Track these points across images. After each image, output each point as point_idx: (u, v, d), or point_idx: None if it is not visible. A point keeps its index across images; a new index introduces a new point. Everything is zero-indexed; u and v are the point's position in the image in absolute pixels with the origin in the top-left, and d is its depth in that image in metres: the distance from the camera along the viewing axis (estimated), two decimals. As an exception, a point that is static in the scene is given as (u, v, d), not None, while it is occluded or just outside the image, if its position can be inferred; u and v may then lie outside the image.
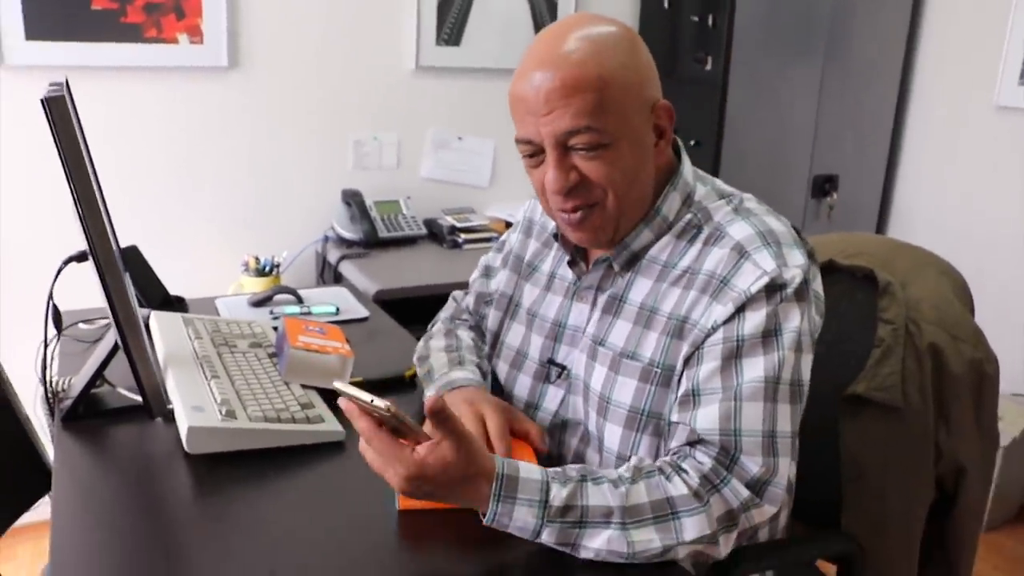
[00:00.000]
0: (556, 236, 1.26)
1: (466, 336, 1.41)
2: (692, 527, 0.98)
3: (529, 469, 0.99)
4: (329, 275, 2.57)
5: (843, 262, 1.51)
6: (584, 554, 0.98)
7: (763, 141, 2.81)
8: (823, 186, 2.96)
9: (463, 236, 2.69)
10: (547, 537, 0.97)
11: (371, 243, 2.58)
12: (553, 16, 2.87)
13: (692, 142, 2.73)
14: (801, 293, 1.07)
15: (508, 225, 2.85)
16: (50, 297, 1.30)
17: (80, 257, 1.25)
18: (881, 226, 3.19)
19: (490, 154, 2.91)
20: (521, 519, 0.96)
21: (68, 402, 1.30)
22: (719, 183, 1.22)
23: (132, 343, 1.13)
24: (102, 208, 1.44)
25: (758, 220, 1.12)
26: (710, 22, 2.68)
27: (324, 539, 1.03)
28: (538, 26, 2.85)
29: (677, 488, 1.00)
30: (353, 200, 2.63)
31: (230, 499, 1.11)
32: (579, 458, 1.22)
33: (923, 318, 1.40)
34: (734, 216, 1.13)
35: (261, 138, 2.60)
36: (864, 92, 2.94)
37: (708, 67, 2.69)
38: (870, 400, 1.40)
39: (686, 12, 2.81)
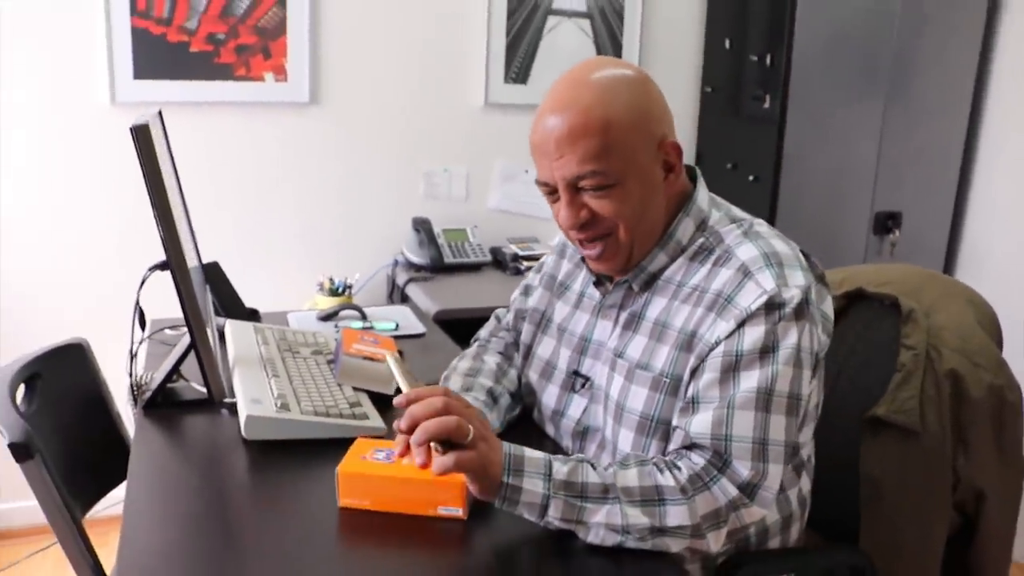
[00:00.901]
0: (584, 259, 1.37)
1: (491, 361, 1.50)
2: (675, 515, 1.07)
3: (531, 451, 1.09)
4: (397, 296, 2.73)
5: (871, 290, 1.57)
6: (584, 532, 1.07)
7: (822, 177, 2.84)
8: (885, 223, 2.97)
9: (525, 263, 2.80)
10: (553, 512, 1.06)
11: (437, 268, 2.72)
12: (618, 54, 3.00)
13: (751, 178, 2.79)
14: (800, 312, 1.14)
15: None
16: (137, 301, 1.47)
17: (162, 266, 1.42)
18: (949, 265, 3.17)
19: (556, 187, 3.03)
20: (530, 490, 1.05)
21: (148, 393, 1.47)
22: (734, 209, 1.31)
23: (200, 344, 1.28)
24: (186, 226, 1.62)
25: (764, 243, 1.20)
26: (768, 61, 2.75)
27: (363, 523, 1.14)
28: (604, 65, 2.97)
29: (666, 480, 1.09)
30: (422, 227, 2.78)
31: (280, 482, 1.24)
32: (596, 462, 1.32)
33: (945, 344, 1.45)
34: (743, 239, 1.22)
35: (338, 168, 2.80)
36: (929, 129, 2.95)
37: (766, 105, 2.77)
38: (889, 423, 1.45)
39: (747, 51, 2.89)
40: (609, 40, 3.02)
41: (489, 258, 2.84)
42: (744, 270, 1.17)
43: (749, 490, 1.10)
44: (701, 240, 1.25)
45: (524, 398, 1.50)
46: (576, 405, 1.36)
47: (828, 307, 1.22)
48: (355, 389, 1.50)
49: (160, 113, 1.64)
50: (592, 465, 1.10)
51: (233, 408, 1.43)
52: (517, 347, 1.53)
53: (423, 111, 2.85)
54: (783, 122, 2.74)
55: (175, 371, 1.45)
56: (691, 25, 3.13)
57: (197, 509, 1.15)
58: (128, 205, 2.58)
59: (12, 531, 2.72)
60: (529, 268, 2.77)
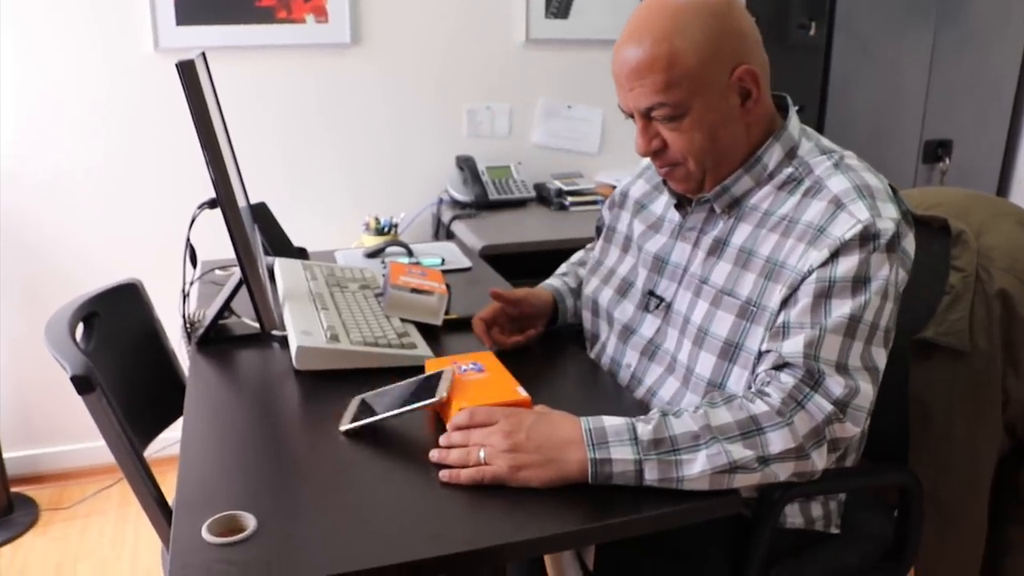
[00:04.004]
0: (665, 182, 1.38)
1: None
2: (777, 441, 1.07)
3: (610, 419, 1.09)
4: (442, 234, 2.75)
5: (920, 213, 1.54)
6: (689, 485, 1.04)
7: (870, 106, 2.78)
8: (935, 151, 2.90)
9: (570, 199, 2.80)
10: (649, 474, 1.04)
11: (482, 205, 2.73)
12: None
13: (797, 107, 2.73)
14: (892, 245, 1.14)
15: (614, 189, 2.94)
16: (187, 239, 1.51)
17: (212, 203, 1.45)
18: (1001, 194, 3.09)
19: (598, 122, 3.01)
20: (620, 460, 1.04)
21: (201, 330, 1.51)
22: (824, 140, 1.30)
23: (251, 277, 1.31)
24: (233, 166, 1.65)
25: (856, 175, 1.20)
26: (815, -13, 2.68)
27: (411, 449, 1.16)
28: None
29: (759, 407, 1.10)
30: (466, 165, 2.79)
31: (330, 410, 1.26)
32: (659, 383, 1.33)
33: (995, 265, 1.42)
34: (834, 171, 1.22)
35: (381, 108, 2.80)
36: (982, 55, 2.85)
37: (812, 32, 2.70)
38: (938, 344, 1.44)
39: (794, -23, 2.81)
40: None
41: (533, 194, 2.84)
42: (836, 202, 1.17)
43: (841, 406, 1.11)
44: (790, 170, 1.25)
45: (580, 309, 1.56)
46: (649, 324, 1.38)
47: (910, 244, 1.21)
48: (403, 320, 1.53)
49: (204, 55, 1.66)
50: (675, 414, 1.10)
51: (284, 341, 1.46)
52: None
53: (464, 49, 2.84)
54: (829, 50, 2.67)
55: (226, 307, 1.49)
56: (735, -49, 3.05)
57: (252, 438, 1.19)
58: (176, 149, 2.63)
59: (78, 471, 2.84)
60: (575, 204, 2.78)
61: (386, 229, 2.58)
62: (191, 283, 1.53)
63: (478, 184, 2.74)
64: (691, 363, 1.27)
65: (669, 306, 1.35)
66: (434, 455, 1.11)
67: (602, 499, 1.04)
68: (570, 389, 1.40)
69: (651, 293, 1.38)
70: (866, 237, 1.13)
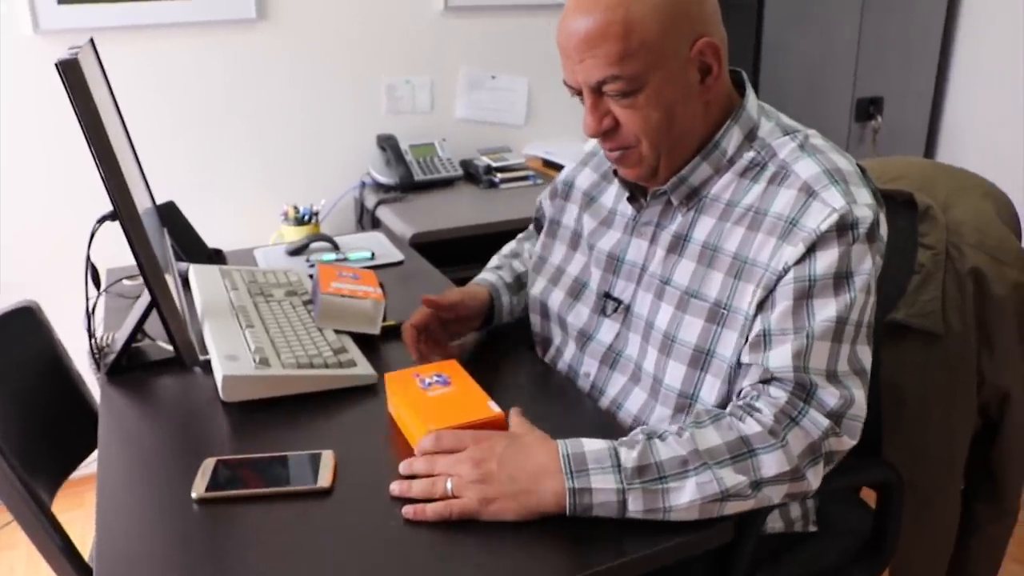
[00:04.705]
0: (615, 172, 1.25)
1: (527, 251, 1.54)
2: (771, 464, 0.97)
3: (591, 442, 0.98)
4: (367, 221, 2.58)
5: (883, 187, 1.47)
6: (677, 516, 0.95)
7: (803, 64, 2.71)
8: (867, 109, 2.87)
9: (499, 176, 2.67)
10: (633, 505, 0.94)
11: (407, 187, 2.58)
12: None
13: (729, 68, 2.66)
14: (872, 234, 1.04)
15: (545, 163, 2.82)
16: (87, 258, 1.33)
17: (112, 216, 1.27)
18: (930, 150, 3.08)
19: (524, 92, 2.88)
20: (601, 489, 0.94)
21: (112, 356, 1.34)
22: (784, 118, 1.19)
23: (162, 299, 1.15)
24: (134, 166, 1.47)
25: (824, 158, 1.09)
26: (745, -57, 2.59)
27: (359, 480, 1.05)
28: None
29: (750, 427, 0.99)
30: (388, 145, 2.62)
31: (265, 445, 1.13)
32: (624, 394, 1.23)
33: (965, 242, 1.36)
34: (800, 153, 1.11)
35: (293, 88, 2.60)
36: (910, 7, 2.82)
37: (743, -10, 2.61)
38: (910, 327, 1.37)
39: (721, -66, 2.71)
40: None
41: (460, 172, 2.70)
42: (807, 189, 1.06)
43: (837, 418, 1.02)
44: (751, 154, 1.14)
45: (517, 307, 1.46)
46: (607, 329, 1.26)
47: (884, 228, 1.11)
48: (337, 332, 1.39)
49: (92, 41, 1.47)
50: (660, 437, 0.99)
51: (207, 365, 1.31)
52: None
53: (380, 19, 2.65)
54: (762, 9, 2.59)
55: (138, 330, 1.32)
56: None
57: (179, 483, 1.04)
58: (67, 146, 2.37)
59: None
60: (504, 181, 2.65)
61: (306, 218, 2.41)
62: (93, 307, 1.35)
63: (402, 164, 2.59)
64: (658, 373, 1.16)
65: (628, 309, 1.23)
66: (395, 489, 0.99)
67: (585, 534, 0.94)
68: (537, 403, 1.24)
69: (607, 295, 1.27)
70: (843, 227, 1.03)
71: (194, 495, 1.00)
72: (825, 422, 1.00)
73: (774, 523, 1.25)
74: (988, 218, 1.39)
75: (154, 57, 2.43)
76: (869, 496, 1.46)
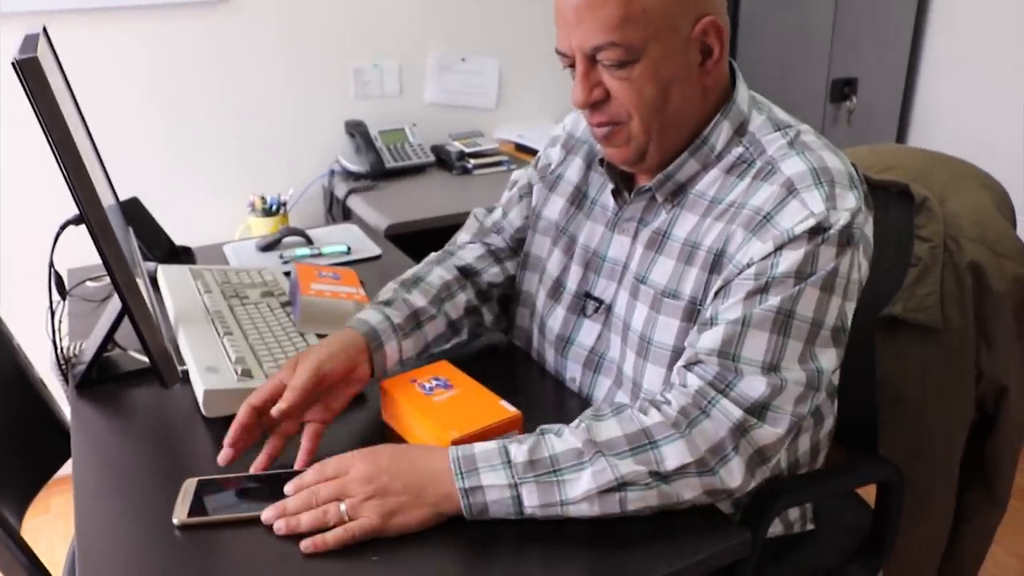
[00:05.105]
0: (602, 161, 1.19)
1: (439, 275, 1.29)
2: (672, 454, 0.93)
3: (482, 444, 0.95)
4: (338, 211, 2.51)
5: (876, 177, 1.44)
6: (574, 509, 0.91)
7: (778, 45, 2.69)
8: (842, 90, 2.85)
9: (472, 161, 2.60)
10: (528, 499, 0.91)
11: (378, 174, 2.50)
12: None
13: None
14: (845, 235, 0.99)
15: (518, 147, 2.76)
16: (51, 264, 1.25)
17: (77, 220, 1.19)
18: (902, 131, 3.08)
19: (495, 74, 2.80)
20: (493, 486, 0.91)
21: (81, 367, 1.27)
22: (776, 111, 1.13)
23: (137, 312, 1.07)
24: (96, 162, 1.38)
25: (814, 156, 1.03)
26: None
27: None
28: (538, -65, 2.70)
29: (652, 417, 0.95)
30: (357, 131, 2.54)
31: (248, 459, 1.07)
32: (610, 399, 1.18)
33: (963, 234, 1.33)
34: (788, 150, 1.05)
35: (257, 74, 2.50)
36: (883, -12, 2.81)
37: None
38: (907, 321, 1.34)
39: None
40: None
41: (432, 158, 2.62)
42: (789, 186, 1.01)
43: (758, 411, 0.96)
44: (740, 150, 1.08)
45: (516, 317, 1.35)
46: (587, 331, 1.21)
47: (869, 228, 1.07)
48: (319, 336, 1.32)
49: (45, 30, 1.37)
50: (556, 433, 0.95)
51: (184, 375, 1.24)
52: (505, 253, 1.37)
53: (346, 1, 2.55)
54: (738, -11, 2.55)
55: (109, 340, 1.25)
56: None
57: (162, 507, 0.97)
58: (20, 138, 2.26)
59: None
60: (478, 167, 2.59)
61: (274, 208, 2.34)
62: (59, 318, 1.27)
63: (372, 151, 2.51)
64: (637, 377, 1.12)
65: (609, 309, 1.18)
66: (279, 527, 0.92)
67: (604, 555, 0.90)
68: (530, 407, 1.19)
69: (587, 295, 1.21)
70: (816, 231, 0.98)
71: (176, 521, 0.94)
72: (737, 414, 0.95)
73: (774, 528, 1.23)
74: (986, 210, 1.36)
75: (111, 42, 2.32)
76: (865, 491, 1.45)
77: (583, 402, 1.21)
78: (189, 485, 0.99)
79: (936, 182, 1.40)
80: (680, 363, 1.02)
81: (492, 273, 1.34)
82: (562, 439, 0.94)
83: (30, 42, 0.97)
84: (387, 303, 1.21)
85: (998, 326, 1.33)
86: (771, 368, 0.97)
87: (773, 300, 0.98)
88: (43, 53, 1.05)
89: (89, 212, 0.99)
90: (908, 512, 1.38)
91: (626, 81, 1.03)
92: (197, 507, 0.96)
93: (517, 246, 1.37)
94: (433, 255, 1.37)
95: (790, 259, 0.98)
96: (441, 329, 1.26)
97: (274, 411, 1.02)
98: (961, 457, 1.44)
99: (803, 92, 2.80)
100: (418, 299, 1.23)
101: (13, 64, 0.88)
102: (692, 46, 1.02)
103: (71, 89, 1.42)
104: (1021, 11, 2.69)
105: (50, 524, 2.33)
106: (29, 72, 0.88)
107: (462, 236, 1.41)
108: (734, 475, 0.95)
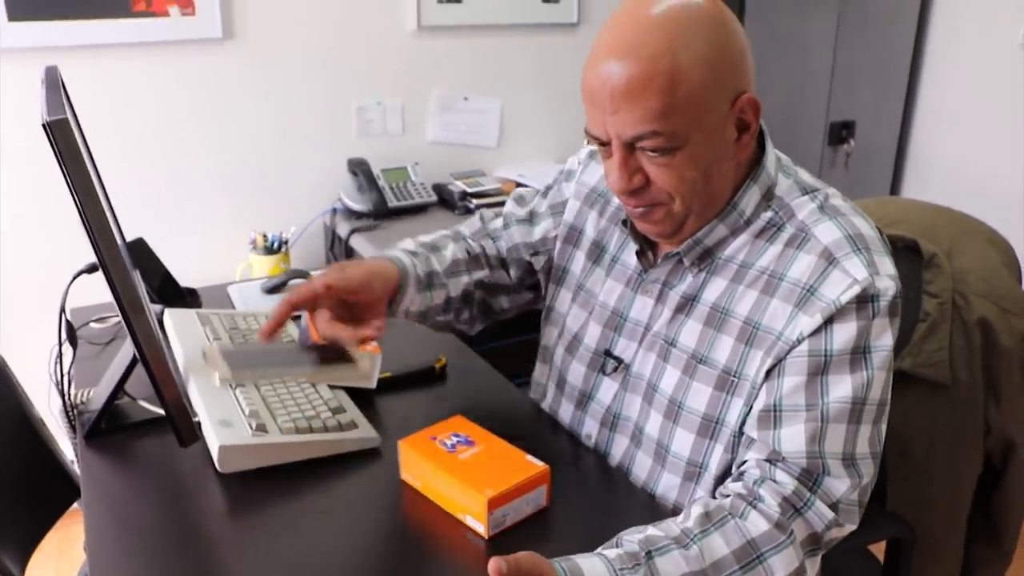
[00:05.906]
0: (625, 222, 1.17)
1: (451, 252, 1.30)
2: (781, 564, 0.93)
3: (592, 565, 0.88)
4: (340, 249, 2.50)
5: (884, 231, 1.45)
6: None
7: (779, 88, 2.72)
8: (840, 133, 2.88)
9: (475, 201, 2.61)
10: None
11: (381, 213, 2.50)
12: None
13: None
14: (894, 308, 0.99)
15: (519, 186, 2.77)
16: (62, 310, 1.24)
17: (90, 270, 1.19)
18: (898, 174, 3.11)
19: (497, 114, 2.82)
20: None
21: (89, 416, 1.26)
22: (803, 174, 1.12)
23: (155, 367, 1.05)
24: (106, 205, 1.38)
25: (846, 221, 1.03)
26: (723, -30, 2.57)
27: (364, 551, 0.99)
28: (541, -23, 2.72)
29: (756, 526, 0.94)
30: (359, 169, 2.55)
31: (265, 516, 1.07)
32: (628, 458, 1.17)
33: (971, 291, 1.35)
34: (820, 215, 1.04)
35: (261, 111, 2.51)
36: (882, 34, 2.85)
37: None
38: (916, 376, 1.35)
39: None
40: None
41: (435, 198, 2.62)
42: (828, 256, 1.00)
43: (839, 508, 0.97)
44: (769, 214, 1.07)
45: (535, 372, 1.35)
46: (606, 389, 1.21)
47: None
48: (331, 387, 1.32)
49: (57, 71, 1.37)
50: (660, 550, 0.91)
51: (196, 427, 1.23)
52: (494, 261, 1.36)
53: (350, 39, 2.57)
54: (739, 33, 2.58)
55: (119, 389, 1.24)
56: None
57: (173, 561, 0.97)
58: (24, 173, 2.26)
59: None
60: (480, 206, 2.59)
61: (275, 246, 2.33)
62: (69, 370, 1.26)
63: (374, 190, 2.51)
64: (664, 439, 1.11)
65: (628, 368, 1.18)
66: None
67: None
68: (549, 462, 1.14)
69: (607, 353, 1.21)
70: (864, 300, 0.97)
71: (229, 376, 1.02)
72: (830, 515, 0.96)
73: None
74: (994, 267, 1.38)
75: (114, 79, 2.32)
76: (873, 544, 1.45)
77: (599, 458, 1.21)
78: (211, 351, 1.03)
79: (943, 238, 1.41)
80: (757, 456, 1.00)
81: (482, 273, 1.34)
82: (672, 560, 0.90)
83: (55, 101, 0.97)
84: (413, 253, 1.25)
85: (1006, 382, 1.35)
86: (850, 459, 0.98)
87: (843, 389, 0.97)
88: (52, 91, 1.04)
89: (112, 269, 0.98)
90: (917, 564, 1.38)
91: (668, 167, 1.00)
92: (237, 365, 0.98)
93: (503, 263, 1.36)
94: (445, 231, 1.38)
95: (844, 333, 0.97)
96: (441, 301, 1.26)
97: (323, 283, 1.07)
98: (969, 510, 1.44)
99: (802, 135, 2.83)
100: (435, 264, 1.26)
101: (44, 126, 0.88)
102: (730, 123, 1.00)
103: (80, 127, 1.42)
104: (1015, 57, 2.73)
105: (40, 565, 2.29)
106: (59, 134, 0.88)
107: (464, 229, 1.41)
108: (814, 568, 0.98)
